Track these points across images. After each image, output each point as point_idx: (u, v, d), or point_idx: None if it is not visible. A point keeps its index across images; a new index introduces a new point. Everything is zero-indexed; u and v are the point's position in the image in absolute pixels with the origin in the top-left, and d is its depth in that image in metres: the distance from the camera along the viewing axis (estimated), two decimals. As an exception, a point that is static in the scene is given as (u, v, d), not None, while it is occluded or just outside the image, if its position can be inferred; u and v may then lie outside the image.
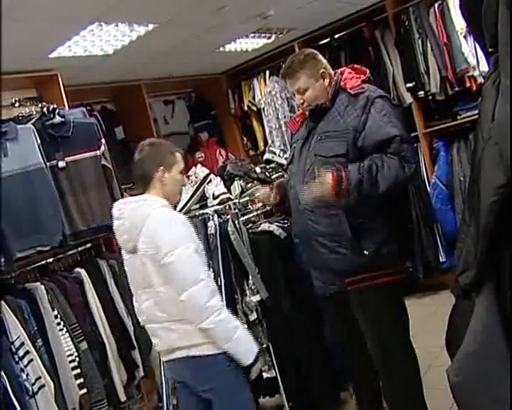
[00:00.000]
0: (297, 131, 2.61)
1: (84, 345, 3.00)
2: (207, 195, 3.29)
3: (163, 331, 2.13)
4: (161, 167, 2.18)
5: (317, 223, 2.36)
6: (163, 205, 2.14)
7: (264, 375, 2.87)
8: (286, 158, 2.75)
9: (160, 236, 2.03)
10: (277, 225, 3.04)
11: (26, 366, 2.69)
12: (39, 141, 3.11)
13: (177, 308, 2.04)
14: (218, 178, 3.43)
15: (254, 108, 5.52)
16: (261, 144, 5.56)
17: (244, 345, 2.08)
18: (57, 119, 3.24)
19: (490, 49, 1.31)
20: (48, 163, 3.13)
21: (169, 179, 2.20)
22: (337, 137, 2.33)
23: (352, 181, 2.22)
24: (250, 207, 3.33)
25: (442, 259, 4.44)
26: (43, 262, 3.15)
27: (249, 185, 3.56)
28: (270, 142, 5.18)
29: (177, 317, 2.07)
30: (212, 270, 2.23)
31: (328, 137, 2.36)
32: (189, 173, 3.33)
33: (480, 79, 4.04)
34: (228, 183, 3.50)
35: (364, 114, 2.30)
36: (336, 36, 4.95)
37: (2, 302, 2.74)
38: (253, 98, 5.50)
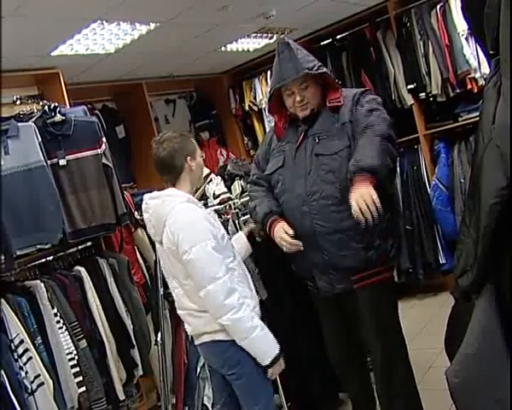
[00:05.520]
0: (281, 135, 2.56)
1: (83, 343, 3.01)
2: (208, 194, 3.30)
3: (191, 318, 2.23)
4: (188, 157, 2.27)
5: (325, 221, 2.31)
6: (187, 200, 2.19)
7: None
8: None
9: (179, 234, 2.09)
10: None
11: (25, 364, 2.69)
12: (40, 139, 3.12)
13: (201, 300, 2.12)
14: (219, 177, 3.43)
15: (255, 108, 5.51)
16: (262, 144, 5.55)
17: (260, 346, 2.11)
18: (58, 117, 3.25)
19: (491, 52, 1.32)
20: (49, 161, 3.14)
21: (196, 165, 2.30)
22: (336, 135, 2.34)
23: (371, 165, 2.12)
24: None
25: (442, 260, 4.43)
26: (43, 260, 3.15)
27: (249, 185, 3.55)
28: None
29: (202, 307, 2.14)
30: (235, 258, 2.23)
31: (327, 136, 2.35)
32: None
33: (482, 81, 4.04)
34: (228, 182, 3.50)
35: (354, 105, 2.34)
36: (338, 37, 4.95)
37: (2, 300, 2.74)
38: (254, 98, 5.49)
